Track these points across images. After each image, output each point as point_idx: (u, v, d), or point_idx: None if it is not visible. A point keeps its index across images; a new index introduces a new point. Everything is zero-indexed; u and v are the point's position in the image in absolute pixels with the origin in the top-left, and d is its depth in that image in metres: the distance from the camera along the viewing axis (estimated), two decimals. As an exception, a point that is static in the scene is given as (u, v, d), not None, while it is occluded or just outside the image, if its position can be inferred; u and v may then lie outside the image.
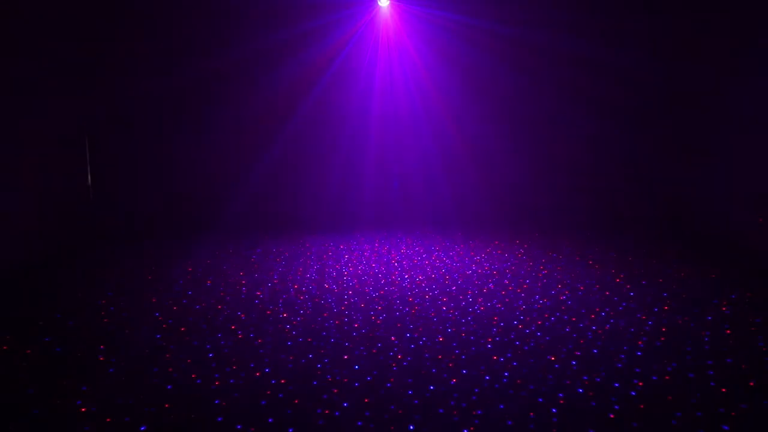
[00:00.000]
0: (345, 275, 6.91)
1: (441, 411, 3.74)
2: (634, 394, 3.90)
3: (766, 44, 7.21)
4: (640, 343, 4.77)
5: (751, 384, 4.01)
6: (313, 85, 9.55)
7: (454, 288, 6.37)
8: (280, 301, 5.99)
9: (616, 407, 3.73)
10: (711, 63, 8.41)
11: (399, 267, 7.26)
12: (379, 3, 9.40)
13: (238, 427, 3.56)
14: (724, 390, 3.93)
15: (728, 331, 4.97)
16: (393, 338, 4.96)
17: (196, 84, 9.26)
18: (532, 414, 3.67)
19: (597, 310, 5.59)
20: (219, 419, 3.66)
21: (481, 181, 9.96)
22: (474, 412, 3.71)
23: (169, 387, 4.08)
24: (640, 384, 4.03)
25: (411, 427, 3.56)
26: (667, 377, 4.14)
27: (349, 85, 9.68)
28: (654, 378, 4.13)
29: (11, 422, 3.64)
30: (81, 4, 8.78)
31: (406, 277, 6.83)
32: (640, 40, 9.27)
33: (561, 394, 3.91)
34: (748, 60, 7.60)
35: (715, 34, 8.34)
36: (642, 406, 3.74)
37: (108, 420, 3.64)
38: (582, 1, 9.28)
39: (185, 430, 3.55)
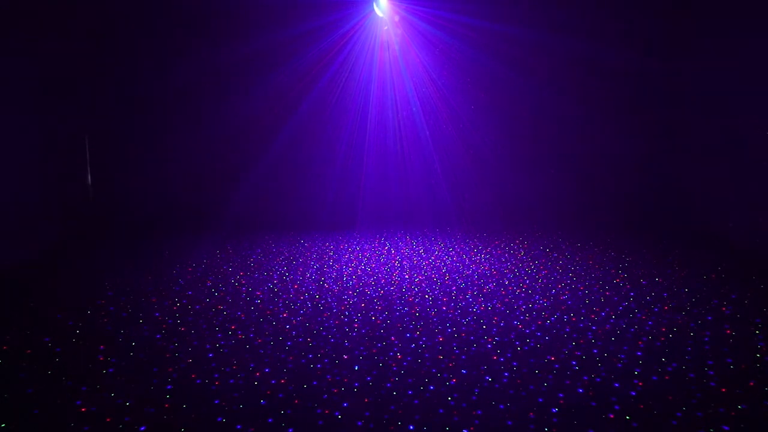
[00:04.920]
0: (345, 275, 6.91)
1: (441, 411, 3.74)
2: (634, 394, 3.90)
3: (764, 44, 7.21)
4: (640, 343, 4.77)
5: (751, 384, 4.01)
6: (313, 84, 9.55)
7: (454, 288, 6.37)
8: (280, 301, 5.99)
9: (616, 407, 3.73)
10: (712, 63, 8.42)
11: (399, 267, 7.27)
12: (376, 12, 9.39)
13: (238, 427, 3.56)
14: (724, 390, 3.93)
15: (728, 331, 4.97)
16: (393, 338, 4.97)
17: (195, 84, 9.26)
18: (532, 414, 3.68)
19: (597, 310, 5.60)
20: (219, 419, 3.66)
21: (481, 181, 9.96)
22: (474, 412, 3.71)
23: (169, 387, 4.08)
24: (640, 384, 4.04)
25: (411, 427, 3.56)
26: (667, 377, 4.14)
27: (349, 84, 9.67)
28: (654, 378, 4.13)
29: (11, 422, 3.64)
30: (81, 2, 8.79)
31: (406, 277, 6.83)
32: (640, 40, 9.27)
33: (561, 394, 3.91)
34: (748, 61, 7.59)
35: (716, 34, 8.35)
36: (642, 406, 3.74)
37: (108, 420, 3.64)
38: (582, 2, 9.28)
39: (185, 430, 3.55)
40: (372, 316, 5.53)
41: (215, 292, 6.30)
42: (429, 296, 6.11)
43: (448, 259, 7.64)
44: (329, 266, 7.32)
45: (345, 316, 5.54)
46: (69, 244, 8.49)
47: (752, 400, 3.80)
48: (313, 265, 7.39)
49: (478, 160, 9.93)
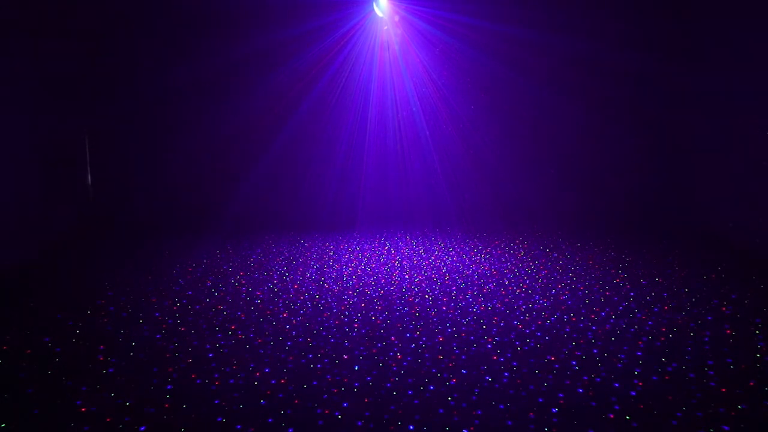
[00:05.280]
0: (345, 275, 6.91)
1: (441, 411, 3.74)
2: (634, 394, 3.90)
3: (764, 44, 7.21)
4: (640, 343, 4.77)
5: (751, 384, 4.01)
6: (313, 84, 9.54)
7: (454, 288, 6.37)
8: (280, 301, 5.99)
9: (616, 407, 3.73)
10: (712, 63, 8.42)
11: (399, 267, 7.27)
12: (376, 12, 9.40)
13: (238, 427, 3.56)
14: (724, 390, 3.93)
15: (728, 331, 4.97)
16: (393, 338, 4.97)
17: (195, 84, 9.25)
18: (532, 414, 3.68)
19: (597, 310, 5.60)
20: (219, 419, 3.66)
21: (481, 181, 9.96)
22: (474, 412, 3.71)
23: (169, 387, 4.08)
24: (640, 384, 4.04)
25: (411, 427, 3.56)
26: (667, 377, 4.14)
27: (349, 84, 9.67)
28: (654, 378, 4.13)
29: (11, 422, 3.64)
30: (81, 2, 8.79)
31: (406, 277, 6.83)
32: (641, 40, 9.27)
33: (561, 394, 3.92)
34: (748, 61, 7.59)
35: (716, 34, 8.35)
36: (642, 406, 3.74)
37: (108, 420, 3.64)
38: (582, 2, 9.28)
39: (185, 430, 3.55)
40: (372, 316, 5.53)
41: (215, 292, 6.30)
42: (429, 296, 6.11)
43: (448, 259, 7.64)
44: (329, 266, 7.32)
45: (345, 316, 5.54)
46: (69, 244, 8.49)
47: (752, 400, 3.80)
48: (313, 265, 7.39)
49: (478, 160, 9.93)
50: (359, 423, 3.61)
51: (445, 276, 6.85)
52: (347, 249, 8.20)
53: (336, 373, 4.29)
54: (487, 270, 7.07)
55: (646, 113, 9.53)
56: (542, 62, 9.49)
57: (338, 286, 6.50)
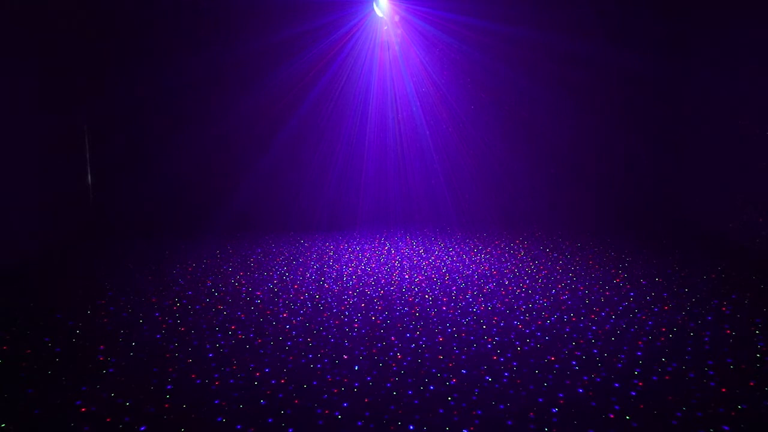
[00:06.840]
0: (345, 275, 6.91)
1: (441, 411, 3.74)
2: (634, 394, 3.90)
3: (765, 44, 7.21)
4: (640, 343, 4.77)
5: (751, 384, 4.01)
6: (313, 84, 9.54)
7: (454, 288, 6.37)
8: (280, 301, 5.99)
9: (616, 407, 3.73)
10: (712, 62, 8.42)
11: (399, 267, 7.26)
12: (376, 12, 9.39)
13: (238, 427, 3.56)
14: (724, 390, 3.93)
15: (728, 331, 4.97)
16: (393, 338, 4.97)
17: (195, 84, 9.25)
18: (532, 414, 3.68)
19: (597, 310, 5.60)
20: (219, 419, 3.66)
21: (481, 181, 9.96)
22: (474, 412, 3.71)
23: (169, 387, 4.08)
24: (640, 384, 4.04)
25: (411, 427, 3.56)
26: (667, 377, 4.14)
27: (349, 84, 9.67)
28: (654, 378, 4.13)
29: (11, 422, 3.64)
30: (81, 3, 8.79)
31: (406, 277, 6.83)
32: (640, 40, 9.27)
33: (561, 394, 3.92)
34: (748, 60, 7.59)
35: (716, 34, 8.35)
36: (642, 406, 3.74)
37: (108, 420, 3.64)
38: (582, 2, 9.28)
39: (185, 430, 3.55)
40: (372, 316, 5.53)
41: (215, 292, 6.30)
42: (429, 296, 6.11)
43: (448, 259, 7.64)
44: (329, 266, 7.32)
45: (345, 316, 5.54)
46: (69, 244, 8.49)
47: (752, 400, 3.80)
48: (313, 265, 7.39)
49: (478, 160, 9.93)
50: (359, 423, 3.61)
51: (445, 276, 6.85)
52: (347, 249, 8.20)
53: (336, 373, 4.29)
54: (487, 270, 7.07)
55: (646, 113, 9.54)
56: (542, 62, 9.49)
57: (338, 286, 6.50)
